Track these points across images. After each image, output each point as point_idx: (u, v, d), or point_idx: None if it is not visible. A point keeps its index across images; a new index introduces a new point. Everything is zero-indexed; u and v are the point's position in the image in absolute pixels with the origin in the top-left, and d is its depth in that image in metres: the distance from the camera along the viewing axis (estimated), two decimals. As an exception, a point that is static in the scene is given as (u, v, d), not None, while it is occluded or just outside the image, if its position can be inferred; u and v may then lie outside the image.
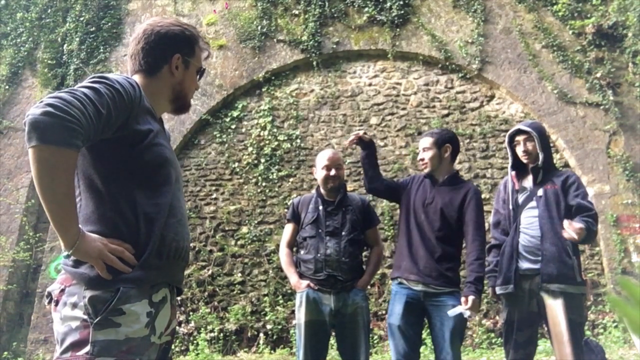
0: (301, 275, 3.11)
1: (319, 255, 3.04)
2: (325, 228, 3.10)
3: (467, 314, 2.81)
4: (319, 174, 3.23)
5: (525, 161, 3.09)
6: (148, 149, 1.50)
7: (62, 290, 1.41)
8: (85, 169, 1.47)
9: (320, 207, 3.17)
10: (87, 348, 1.33)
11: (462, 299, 2.83)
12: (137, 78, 1.64)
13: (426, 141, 3.17)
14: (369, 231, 3.28)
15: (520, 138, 3.09)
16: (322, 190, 3.25)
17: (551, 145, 6.68)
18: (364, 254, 3.39)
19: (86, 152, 1.45)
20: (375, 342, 6.02)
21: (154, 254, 1.48)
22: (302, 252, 3.16)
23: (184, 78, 1.69)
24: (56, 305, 1.41)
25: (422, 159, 3.15)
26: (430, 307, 2.93)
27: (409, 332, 2.91)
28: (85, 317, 1.36)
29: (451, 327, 2.83)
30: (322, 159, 3.25)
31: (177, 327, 6.10)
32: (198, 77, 1.76)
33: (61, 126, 1.27)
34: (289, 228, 3.31)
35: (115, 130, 1.44)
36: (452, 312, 2.82)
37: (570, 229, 2.67)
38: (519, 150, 3.09)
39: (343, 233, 3.09)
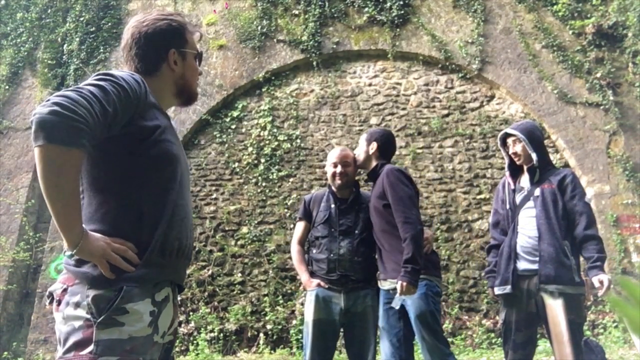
0: (313, 274, 3.07)
1: (332, 255, 3.00)
2: (338, 227, 3.05)
3: (401, 299, 2.82)
4: (328, 170, 3.23)
5: (517, 163, 3.11)
6: (154, 145, 1.49)
7: (65, 290, 1.40)
8: (89, 166, 1.46)
9: (333, 206, 3.12)
10: (91, 347, 1.32)
11: (397, 285, 2.79)
12: None
13: (360, 139, 3.38)
14: None
15: (509, 140, 3.13)
16: (333, 188, 3.22)
17: (550, 144, 6.74)
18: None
19: (91, 150, 1.42)
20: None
21: (157, 253, 1.47)
22: (314, 250, 3.11)
23: (184, 70, 1.67)
24: (58, 304, 1.40)
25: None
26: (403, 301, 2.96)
27: (392, 331, 2.97)
28: (89, 316, 1.34)
29: (415, 316, 2.86)
30: (332, 156, 3.24)
31: (177, 327, 6.11)
32: (197, 62, 1.73)
33: (68, 126, 1.26)
34: (300, 226, 3.25)
35: (122, 127, 1.43)
36: (394, 303, 2.84)
37: (604, 289, 2.73)
38: (510, 152, 3.12)
39: (356, 232, 3.05)
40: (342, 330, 3.11)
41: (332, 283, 2.99)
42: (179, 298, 2.34)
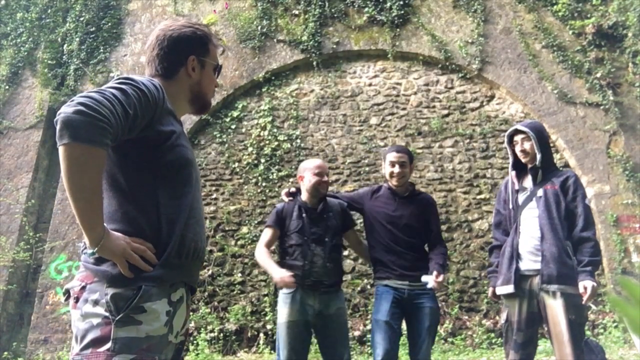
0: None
1: (306, 262, 3.14)
2: (310, 235, 3.18)
3: None
4: (310, 179, 3.25)
5: (523, 161, 3.10)
6: (171, 150, 1.53)
7: (83, 288, 1.42)
8: (109, 167, 1.49)
9: (304, 215, 3.22)
10: (108, 345, 1.35)
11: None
12: None
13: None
14: (350, 232, 3.42)
15: (518, 138, 3.11)
16: (304, 199, 3.30)
17: (551, 145, 6.72)
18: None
19: (111, 151, 1.47)
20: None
21: (174, 254, 1.50)
22: (287, 258, 3.24)
23: (201, 78, 1.72)
24: (76, 302, 1.42)
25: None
26: None
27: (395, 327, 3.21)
28: (107, 314, 1.37)
29: (435, 322, 3.25)
30: (312, 167, 3.29)
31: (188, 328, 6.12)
32: (215, 74, 1.79)
33: (92, 125, 1.29)
34: (269, 232, 3.31)
35: (140, 131, 1.47)
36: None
37: (587, 296, 2.74)
38: (517, 149, 3.11)
39: (326, 240, 3.18)
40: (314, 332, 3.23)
41: (307, 287, 3.13)
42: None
